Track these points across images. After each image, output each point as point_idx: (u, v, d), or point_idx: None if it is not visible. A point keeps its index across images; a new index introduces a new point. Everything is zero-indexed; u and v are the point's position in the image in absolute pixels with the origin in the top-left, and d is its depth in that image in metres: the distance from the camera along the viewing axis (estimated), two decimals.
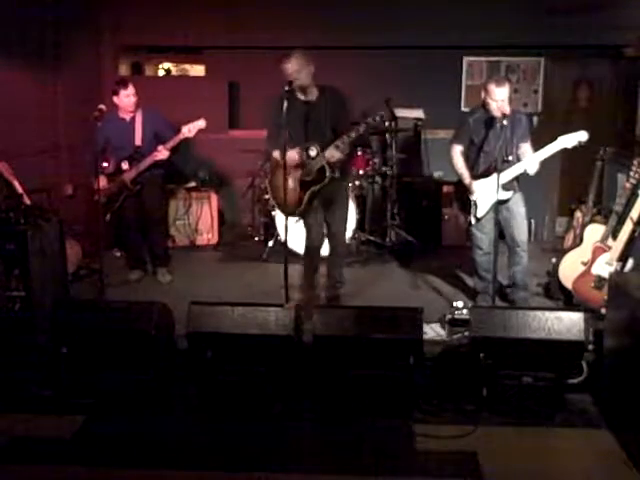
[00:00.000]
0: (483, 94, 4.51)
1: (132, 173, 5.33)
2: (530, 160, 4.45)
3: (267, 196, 4.91)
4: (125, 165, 5.34)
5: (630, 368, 3.31)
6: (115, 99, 5.33)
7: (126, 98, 5.29)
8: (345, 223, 4.84)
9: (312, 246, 4.75)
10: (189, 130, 5.22)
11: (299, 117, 4.38)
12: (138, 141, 5.35)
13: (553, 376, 3.58)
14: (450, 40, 6.78)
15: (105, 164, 5.32)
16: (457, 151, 4.70)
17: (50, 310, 3.92)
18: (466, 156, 4.70)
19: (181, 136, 5.26)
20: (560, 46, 6.88)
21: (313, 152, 4.41)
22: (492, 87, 4.40)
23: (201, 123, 5.24)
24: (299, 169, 4.50)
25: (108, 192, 5.34)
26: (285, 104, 4.11)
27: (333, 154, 4.39)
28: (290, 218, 4.61)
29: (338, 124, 4.46)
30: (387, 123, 6.51)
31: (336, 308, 3.94)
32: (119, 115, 5.38)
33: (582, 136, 4.34)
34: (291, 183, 4.50)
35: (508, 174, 4.45)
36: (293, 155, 4.42)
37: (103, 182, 5.28)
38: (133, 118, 5.38)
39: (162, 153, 5.27)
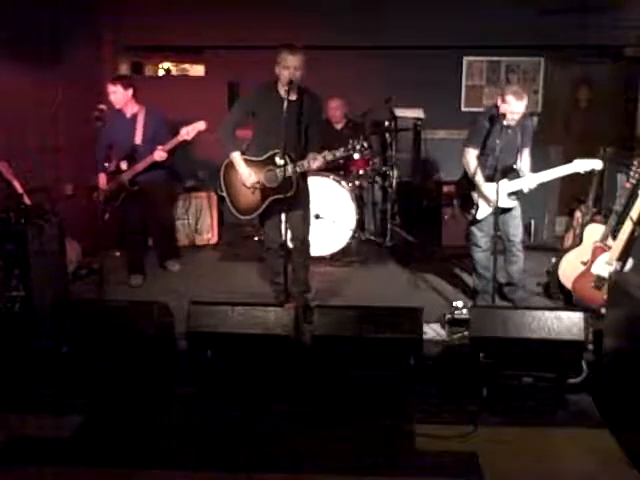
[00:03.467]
0: (499, 101, 4.40)
1: (130, 173, 5.21)
2: (539, 176, 4.42)
3: (221, 193, 4.73)
4: (124, 165, 5.23)
5: (630, 368, 3.31)
6: None
7: (111, 95, 5.18)
8: (307, 225, 4.67)
9: (269, 248, 4.68)
10: (187, 132, 5.02)
11: (277, 113, 4.12)
12: (138, 140, 5.21)
13: (553, 376, 3.58)
14: (450, 40, 6.80)
15: (106, 164, 5.21)
16: (472, 155, 4.53)
17: (50, 310, 3.92)
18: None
19: (180, 138, 5.06)
20: (560, 46, 6.88)
21: (280, 160, 4.23)
22: (512, 99, 4.31)
23: (200, 125, 5.04)
24: (260, 173, 4.41)
25: (107, 191, 5.25)
26: (265, 96, 4.24)
27: (313, 164, 4.30)
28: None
29: (310, 127, 4.40)
30: (387, 123, 6.52)
31: (336, 308, 3.94)
32: (120, 112, 5.26)
33: (597, 165, 4.33)
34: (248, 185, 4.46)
35: (515, 185, 4.45)
36: (250, 177, 4.42)
37: (103, 180, 5.25)
38: (134, 116, 5.24)
39: (159, 155, 5.10)
